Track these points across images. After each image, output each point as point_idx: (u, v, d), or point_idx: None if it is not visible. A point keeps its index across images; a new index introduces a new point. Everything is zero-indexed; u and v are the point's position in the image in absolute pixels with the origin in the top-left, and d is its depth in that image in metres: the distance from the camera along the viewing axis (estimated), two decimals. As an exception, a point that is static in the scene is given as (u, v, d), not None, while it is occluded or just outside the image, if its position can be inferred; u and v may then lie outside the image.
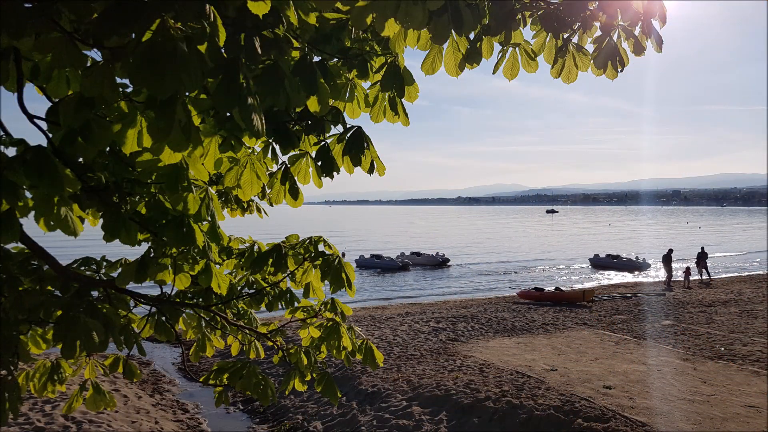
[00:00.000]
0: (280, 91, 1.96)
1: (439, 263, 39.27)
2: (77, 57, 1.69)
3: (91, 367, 3.40)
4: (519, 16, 2.33)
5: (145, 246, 2.57)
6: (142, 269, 2.48)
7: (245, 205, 4.08)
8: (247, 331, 3.41)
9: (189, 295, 3.19)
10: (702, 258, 27.44)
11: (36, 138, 2.09)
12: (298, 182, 2.61)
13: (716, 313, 17.51)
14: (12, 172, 1.83)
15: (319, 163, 2.57)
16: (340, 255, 2.97)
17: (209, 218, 2.36)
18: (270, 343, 3.39)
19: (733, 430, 7.77)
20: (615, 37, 2.43)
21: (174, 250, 2.53)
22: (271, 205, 3.55)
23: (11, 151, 1.93)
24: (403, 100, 2.55)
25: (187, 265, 2.59)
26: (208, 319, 3.38)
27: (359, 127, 2.56)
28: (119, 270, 2.61)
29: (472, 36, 2.40)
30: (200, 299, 3.19)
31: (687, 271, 26.05)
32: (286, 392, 3.26)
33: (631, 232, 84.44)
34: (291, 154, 2.55)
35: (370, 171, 2.56)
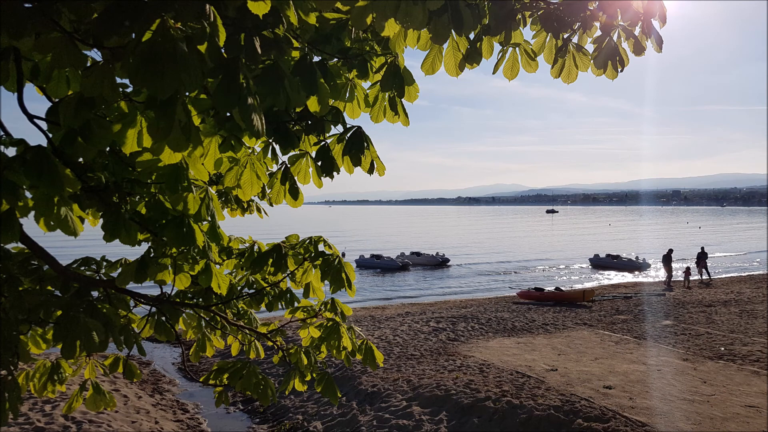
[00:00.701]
0: (280, 91, 1.96)
1: (439, 263, 39.27)
2: (77, 57, 1.69)
3: (91, 367, 3.40)
4: (519, 16, 2.33)
5: (145, 246, 2.57)
6: (142, 269, 2.48)
7: (245, 205, 4.08)
8: (247, 331, 3.41)
9: (189, 295, 3.19)
10: (702, 258, 27.45)
11: (36, 138, 2.09)
12: (298, 182, 2.61)
13: (716, 313, 17.51)
14: (12, 172, 1.83)
15: (319, 163, 2.57)
16: (340, 255, 2.97)
17: (209, 218, 2.36)
18: (270, 343, 3.39)
19: (733, 430, 7.77)
20: (615, 37, 2.42)
21: (174, 250, 2.53)
22: (271, 205, 3.55)
23: (11, 151, 1.93)
24: (403, 100, 2.55)
25: (187, 265, 2.59)
26: (208, 319, 3.38)
27: (359, 127, 2.56)
28: (119, 270, 2.61)
29: (472, 36, 2.40)
30: (200, 299, 3.19)
31: (687, 271, 26.05)
32: (286, 392, 3.26)
33: (631, 232, 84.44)
34: (291, 154, 2.55)
35: (370, 171, 2.56)
